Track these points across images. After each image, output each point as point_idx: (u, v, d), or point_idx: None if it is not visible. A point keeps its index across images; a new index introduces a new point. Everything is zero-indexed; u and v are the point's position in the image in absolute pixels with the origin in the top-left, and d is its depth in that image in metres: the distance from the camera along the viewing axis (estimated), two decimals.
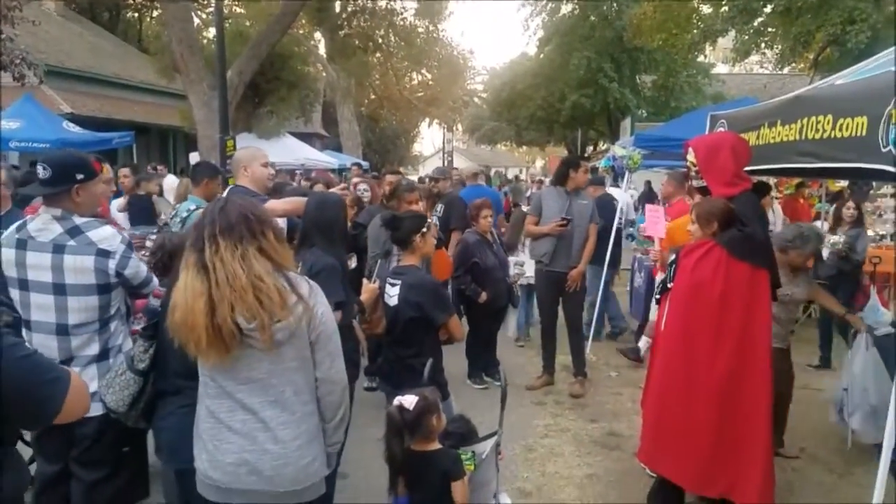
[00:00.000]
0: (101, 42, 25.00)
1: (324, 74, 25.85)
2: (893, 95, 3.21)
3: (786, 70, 23.37)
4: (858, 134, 3.51)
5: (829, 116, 3.82)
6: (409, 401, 2.76)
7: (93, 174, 2.96)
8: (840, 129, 3.70)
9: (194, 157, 16.58)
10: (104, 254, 2.90)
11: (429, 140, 63.03)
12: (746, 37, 15.62)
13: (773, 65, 22.18)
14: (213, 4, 25.32)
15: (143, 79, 22.47)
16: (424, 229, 3.88)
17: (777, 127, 4.48)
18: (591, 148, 35.55)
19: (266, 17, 18.20)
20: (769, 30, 15.37)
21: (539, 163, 64.16)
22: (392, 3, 24.17)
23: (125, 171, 9.02)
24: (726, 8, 15.84)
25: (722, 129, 5.50)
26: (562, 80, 25.38)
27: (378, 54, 26.29)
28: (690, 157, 4.04)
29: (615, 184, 11.32)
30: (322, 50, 26.42)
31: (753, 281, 3.74)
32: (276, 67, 17.99)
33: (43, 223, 2.91)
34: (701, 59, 24.52)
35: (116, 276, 2.94)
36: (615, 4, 24.48)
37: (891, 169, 3.19)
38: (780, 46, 15.99)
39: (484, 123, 39.64)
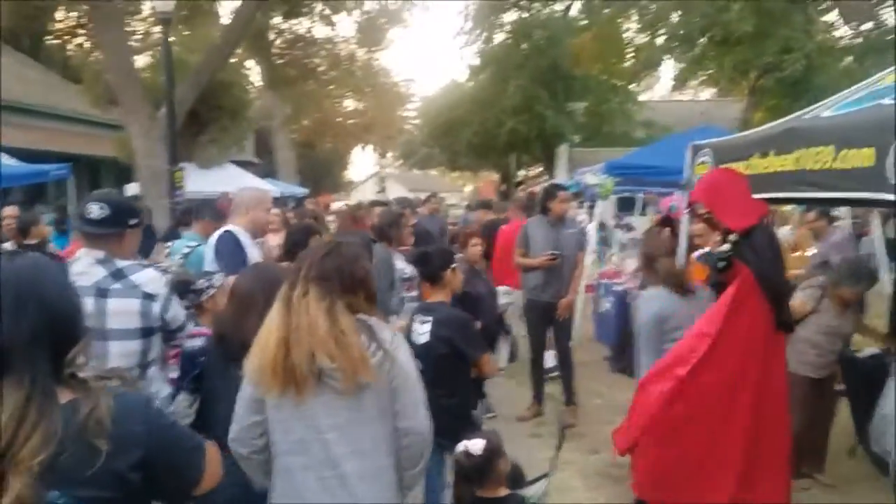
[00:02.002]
0: (25, 71, 24.03)
1: (258, 102, 25.61)
2: None
3: (703, 96, 24.47)
4: (864, 165, 3.68)
5: (831, 147, 3.98)
6: (475, 445, 2.71)
7: (141, 222, 2.86)
8: (843, 161, 3.86)
9: (132, 189, 16.09)
10: (149, 297, 2.80)
11: (360, 166, 63.07)
12: (684, 65, 16.28)
13: (713, 92, 23.15)
14: (141, 31, 25.02)
15: (72, 108, 21.69)
16: (454, 264, 3.86)
17: (770, 157, 4.65)
18: (522, 172, 36.13)
19: (204, 45, 17.95)
20: (706, 59, 16.07)
21: (468, 188, 64.89)
22: (332, 30, 24.11)
23: (10, 210, 7.16)
24: (662, 38, 16.50)
25: (706, 157, 5.68)
26: (498, 107, 25.80)
27: (314, 82, 26.14)
28: (702, 209, 4.15)
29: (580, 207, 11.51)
30: (254, 77, 26.26)
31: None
32: (217, 96, 17.70)
33: (84, 266, 2.78)
34: (633, 86, 25.35)
35: (160, 320, 2.82)
36: (545, 34, 25.17)
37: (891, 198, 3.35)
38: (718, 74, 16.72)
39: (418, 149, 39.87)
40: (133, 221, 2.84)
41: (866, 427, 5.01)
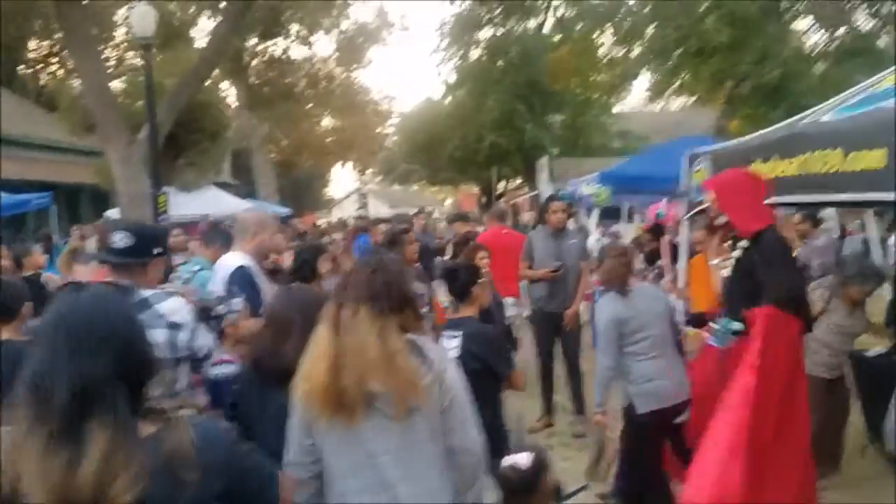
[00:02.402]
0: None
1: (234, 123, 25.52)
2: None
3: (674, 107, 24.77)
4: (875, 166, 3.72)
5: (839, 150, 4.02)
6: (523, 459, 2.67)
7: (167, 250, 2.81)
8: (853, 163, 3.90)
9: (112, 214, 15.92)
10: (175, 327, 2.73)
11: (340, 183, 62.98)
12: (660, 77, 16.49)
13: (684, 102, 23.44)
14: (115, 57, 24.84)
15: (48, 136, 21.44)
16: (481, 279, 3.82)
17: (773, 162, 4.69)
18: (502, 184, 36.33)
19: (179, 69, 17.86)
20: (682, 70, 16.29)
21: (448, 201, 64.96)
22: (310, 49, 24.14)
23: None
24: (637, 51, 16.71)
25: (704, 165, 5.73)
26: (478, 122, 25.99)
27: (293, 102, 26.12)
28: (711, 197, 4.15)
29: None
30: (230, 98, 26.22)
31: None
32: (196, 118, 17.58)
33: None
34: (609, 99, 25.66)
35: (187, 349, 2.75)
36: (519, 50, 25.46)
37: None
38: (693, 85, 16.95)
39: (398, 165, 39.92)
40: (158, 250, 2.77)
41: (878, 426, 5.06)
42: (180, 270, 4.85)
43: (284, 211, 24.32)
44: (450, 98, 30.59)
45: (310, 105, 27.58)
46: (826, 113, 4.85)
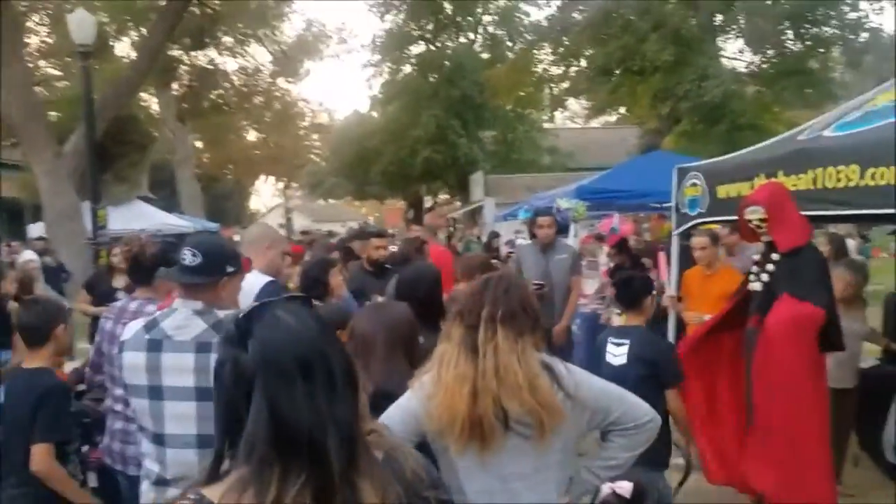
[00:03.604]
0: None
1: (156, 135, 24.65)
2: None
3: (608, 119, 25.45)
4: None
5: (854, 166, 4.11)
6: (624, 487, 2.56)
7: (241, 267, 2.56)
8: (871, 178, 3.99)
9: (37, 229, 15.05)
10: None
11: (263, 197, 61.51)
12: (600, 95, 16.87)
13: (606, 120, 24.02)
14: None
15: None
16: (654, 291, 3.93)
17: (780, 177, 4.75)
18: (430, 199, 36.46)
19: (103, 78, 17.09)
20: (622, 89, 16.71)
21: (372, 217, 64.58)
22: (244, 60, 23.55)
23: None
24: (576, 69, 17.04)
25: (696, 181, 5.77)
26: (412, 137, 25.98)
27: (224, 114, 25.41)
28: (757, 214, 4.13)
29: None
30: (154, 108, 25.32)
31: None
32: (126, 130, 16.84)
33: (183, 319, 2.45)
34: (543, 115, 26.16)
35: None
36: (452, 66, 25.68)
37: None
38: (631, 103, 17.41)
39: (325, 179, 39.44)
40: (231, 268, 2.53)
41: (872, 436, 5.18)
42: None
43: (213, 226, 23.59)
44: (380, 112, 30.57)
45: (240, 118, 26.86)
46: (824, 128, 4.93)
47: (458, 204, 30.16)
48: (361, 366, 2.36)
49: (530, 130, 28.87)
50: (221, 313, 2.48)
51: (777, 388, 3.94)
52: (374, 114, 33.10)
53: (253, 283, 3.66)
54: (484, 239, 15.43)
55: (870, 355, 5.55)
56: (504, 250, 14.23)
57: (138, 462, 3.08)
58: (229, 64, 25.24)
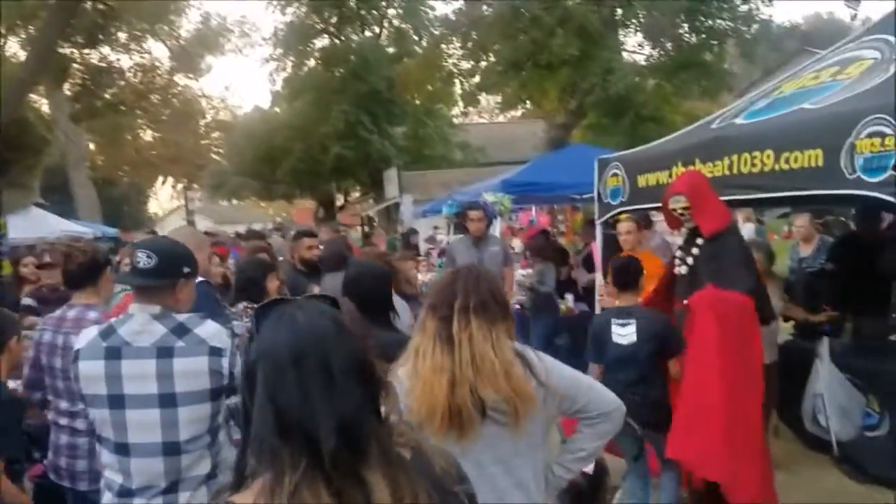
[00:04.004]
0: None
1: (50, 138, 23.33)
2: (854, 130, 3.76)
3: (514, 114, 25.83)
4: (812, 165, 4.07)
5: (769, 151, 4.36)
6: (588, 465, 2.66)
7: (196, 269, 2.48)
8: (787, 162, 4.24)
9: None
10: (217, 352, 2.43)
11: (162, 199, 59.05)
12: (510, 90, 17.12)
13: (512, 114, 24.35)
14: None
15: None
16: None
17: (697, 165, 4.99)
18: (341, 197, 36.06)
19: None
20: (531, 83, 17.00)
21: (279, 217, 63.27)
22: (140, 58, 22.57)
23: None
24: (485, 64, 17.23)
25: (617, 171, 5.98)
26: (321, 133, 25.56)
27: (121, 113, 24.30)
28: (681, 203, 4.30)
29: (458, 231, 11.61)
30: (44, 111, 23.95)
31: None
32: (19, 134, 15.84)
33: (140, 325, 2.36)
34: (456, 110, 26.26)
35: (230, 377, 2.46)
36: (359, 60, 25.42)
37: (865, 193, 3.75)
38: (540, 97, 17.74)
39: (228, 179, 38.30)
40: (187, 269, 2.45)
41: (790, 408, 5.49)
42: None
43: (112, 231, 22.62)
44: (284, 108, 29.92)
45: (137, 117, 25.71)
46: (736, 116, 5.19)
47: (372, 202, 29.97)
48: None
49: (441, 126, 29.01)
50: (181, 317, 2.41)
51: (700, 366, 4.12)
52: (277, 110, 32.45)
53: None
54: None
55: (783, 332, 5.88)
56: (424, 247, 14.30)
57: (89, 476, 2.97)
58: (124, 61, 24.17)
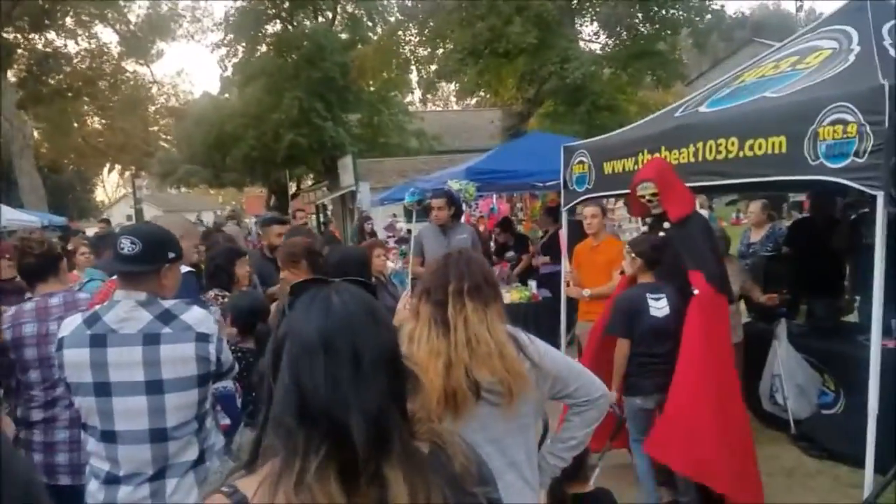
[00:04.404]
0: None
1: None
2: (817, 117, 3.89)
3: (469, 102, 25.83)
4: (776, 151, 4.19)
5: (734, 139, 4.48)
6: None
7: (181, 254, 2.45)
8: (752, 149, 4.36)
9: None
10: (204, 338, 2.40)
11: (109, 188, 57.50)
12: (467, 78, 17.11)
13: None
14: None
15: None
16: None
17: (663, 152, 5.08)
18: (294, 185, 35.59)
19: None
20: (489, 71, 17.00)
21: (229, 205, 62.33)
22: (89, 42, 21.88)
23: None
24: (442, 51, 17.18)
25: (583, 158, 6.05)
26: (274, 120, 25.16)
27: (68, 99, 23.55)
28: (649, 189, 4.39)
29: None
30: None
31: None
32: None
33: (126, 311, 2.32)
34: (412, 97, 26.12)
35: (216, 363, 2.44)
36: (309, 46, 25.09)
37: (827, 178, 3.89)
38: (497, 85, 17.78)
39: (178, 167, 37.45)
40: (172, 254, 2.41)
41: (748, 387, 5.65)
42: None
43: (60, 220, 21.97)
44: (237, 94, 29.34)
45: (84, 103, 24.94)
46: (699, 105, 5.30)
47: (326, 189, 29.64)
48: None
49: (397, 113, 28.83)
50: (167, 303, 2.38)
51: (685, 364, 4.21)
52: (227, 96, 31.82)
53: None
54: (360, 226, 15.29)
55: (741, 314, 6.04)
56: (383, 234, 14.27)
57: (61, 471, 2.93)
58: (71, 46, 23.40)
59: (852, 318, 6.23)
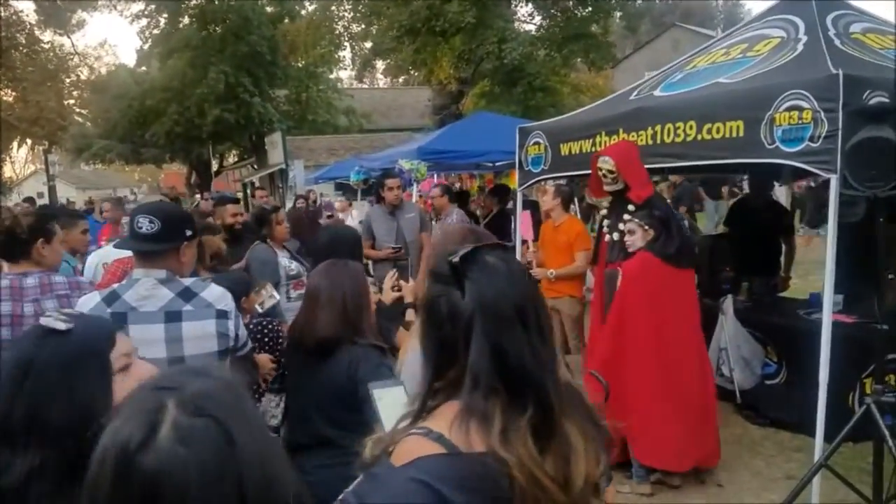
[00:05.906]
0: None
1: None
2: (773, 103, 4.11)
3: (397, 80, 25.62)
4: (734, 135, 4.41)
5: (692, 122, 4.68)
6: None
7: (197, 231, 2.44)
8: (709, 133, 4.57)
9: None
10: (223, 315, 2.42)
11: (17, 164, 54.27)
12: (403, 56, 17.03)
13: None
14: None
15: None
16: None
17: (621, 135, 5.24)
18: (216, 162, 34.65)
19: None
20: (425, 49, 16.95)
21: (146, 183, 60.19)
22: (5, 10, 20.61)
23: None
24: (376, 28, 17.03)
25: (539, 140, 6.18)
26: (198, 95, 24.38)
27: None
28: (607, 165, 4.55)
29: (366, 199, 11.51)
30: None
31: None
32: None
33: (147, 289, 2.31)
34: (342, 74, 25.75)
35: (235, 339, 2.46)
36: (234, 19, 24.40)
37: (783, 161, 4.13)
38: (433, 64, 17.73)
39: (93, 142, 35.81)
40: (189, 232, 2.40)
41: None
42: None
43: None
44: (158, 67, 28.27)
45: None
46: (653, 89, 5.48)
47: (251, 167, 29.00)
48: (309, 317, 2.45)
49: (326, 90, 28.38)
50: (186, 281, 2.37)
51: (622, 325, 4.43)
52: (145, 69, 30.63)
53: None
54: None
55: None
56: (324, 213, 14.12)
57: None
58: None
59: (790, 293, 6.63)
